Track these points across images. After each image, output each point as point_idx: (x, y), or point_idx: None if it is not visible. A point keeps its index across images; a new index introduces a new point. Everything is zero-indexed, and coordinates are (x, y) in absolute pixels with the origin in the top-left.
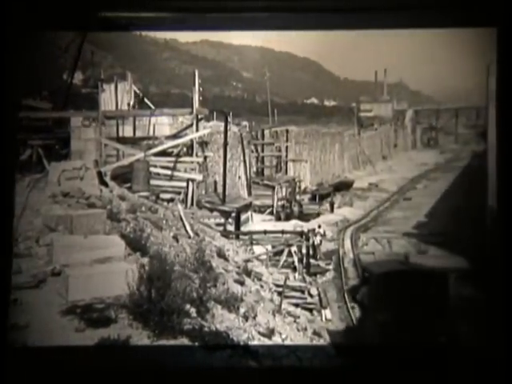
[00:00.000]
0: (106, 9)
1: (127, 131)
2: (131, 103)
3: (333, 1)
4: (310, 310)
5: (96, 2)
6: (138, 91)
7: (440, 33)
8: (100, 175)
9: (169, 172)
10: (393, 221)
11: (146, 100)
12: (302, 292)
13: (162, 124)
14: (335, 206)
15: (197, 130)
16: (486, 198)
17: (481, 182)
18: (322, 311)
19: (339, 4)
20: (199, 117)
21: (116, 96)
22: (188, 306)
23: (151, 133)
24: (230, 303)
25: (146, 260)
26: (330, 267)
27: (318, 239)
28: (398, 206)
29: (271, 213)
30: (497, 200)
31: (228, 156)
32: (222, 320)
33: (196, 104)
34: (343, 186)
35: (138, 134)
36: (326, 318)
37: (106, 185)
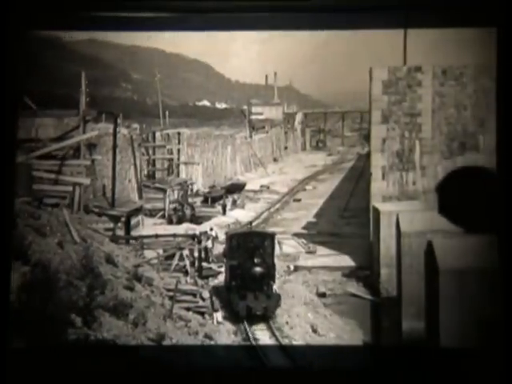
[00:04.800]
0: (105, 9)
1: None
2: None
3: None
4: (202, 314)
5: (96, 2)
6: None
7: (327, 36)
8: None
9: (53, 176)
10: (283, 222)
11: (27, 100)
12: (194, 295)
13: (46, 125)
14: (227, 208)
15: (84, 132)
16: (369, 198)
17: (365, 183)
18: (214, 314)
19: (339, 3)
20: (86, 118)
21: None
22: (73, 316)
23: (34, 135)
24: (119, 310)
25: (27, 268)
26: (222, 269)
27: (210, 242)
28: (288, 207)
29: (163, 216)
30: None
31: (117, 159)
32: (110, 328)
33: (83, 105)
34: (235, 189)
35: (20, 135)
36: (217, 321)
37: None
